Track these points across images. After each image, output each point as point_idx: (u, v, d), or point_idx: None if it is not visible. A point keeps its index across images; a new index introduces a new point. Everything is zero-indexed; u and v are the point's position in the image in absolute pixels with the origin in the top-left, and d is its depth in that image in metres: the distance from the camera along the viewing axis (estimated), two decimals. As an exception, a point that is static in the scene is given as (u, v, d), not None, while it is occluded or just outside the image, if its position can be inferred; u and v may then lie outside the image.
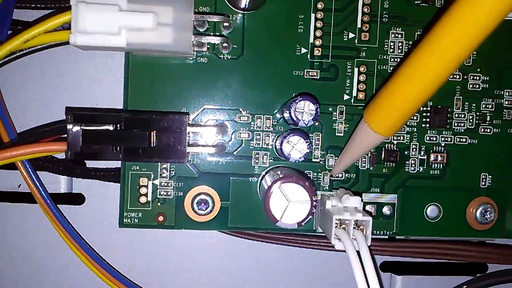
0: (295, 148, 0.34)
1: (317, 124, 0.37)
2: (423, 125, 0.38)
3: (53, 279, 0.41)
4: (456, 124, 0.38)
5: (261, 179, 0.36)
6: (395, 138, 0.37)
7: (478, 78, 0.38)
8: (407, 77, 0.29)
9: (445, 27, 0.27)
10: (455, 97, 0.38)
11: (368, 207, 0.37)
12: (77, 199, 0.40)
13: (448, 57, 0.27)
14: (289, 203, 0.31)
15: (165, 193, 0.36)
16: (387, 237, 0.39)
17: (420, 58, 0.28)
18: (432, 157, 0.38)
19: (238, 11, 0.36)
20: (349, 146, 0.35)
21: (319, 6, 0.36)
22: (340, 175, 0.37)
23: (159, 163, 0.36)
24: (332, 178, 0.37)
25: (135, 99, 0.36)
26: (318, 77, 0.37)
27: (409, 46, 0.37)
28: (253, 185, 0.37)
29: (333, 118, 0.37)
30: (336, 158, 0.37)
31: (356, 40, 0.37)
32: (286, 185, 0.31)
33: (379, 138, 0.33)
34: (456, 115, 0.38)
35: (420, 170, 0.38)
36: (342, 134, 0.37)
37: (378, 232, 0.38)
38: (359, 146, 0.34)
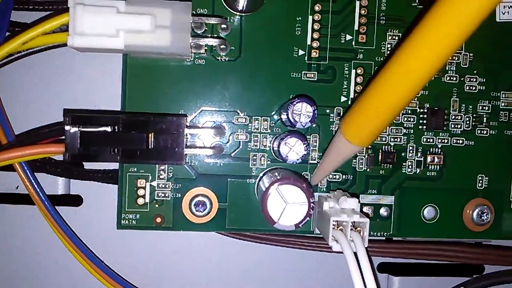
0: (293, 149, 0.34)
1: (314, 125, 0.37)
2: (420, 127, 0.38)
3: (51, 280, 0.41)
4: (452, 126, 0.38)
5: (259, 180, 0.36)
6: (392, 139, 0.37)
7: (474, 79, 0.38)
8: (380, 88, 0.29)
9: (417, 37, 0.26)
10: (452, 98, 0.38)
11: (365, 209, 0.37)
12: (75, 200, 0.40)
13: (420, 69, 0.27)
14: (286, 205, 0.31)
15: (163, 195, 0.36)
16: (384, 238, 0.39)
17: (392, 70, 0.28)
18: (429, 159, 0.38)
19: (236, 13, 0.36)
20: (327, 156, 0.35)
21: (317, 8, 0.36)
22: (337, 177, 0.37)
23: (156, 165, 0.36)
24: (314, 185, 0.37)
25: (133, 101, 0.36)
26: (316, 79, 0.37)
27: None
28: (250, 187, 0.37)
29: (331, 120, 0.37)
30: (333, 159, 0.37)
31: (353, 42, 0.37)
32: (284, 186, 0.31)
33: (355, 149, 0.33)
34: (453, 117, 0.38)
35: (417, 172, 0.38)
36: (339, 136, 0.37)
37: (375, 233, 0.38)
38: (336, 156, 0.34)
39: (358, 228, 0.31)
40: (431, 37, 0.25)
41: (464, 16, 0.24)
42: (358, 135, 0.32)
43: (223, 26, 0.35)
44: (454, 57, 0.38)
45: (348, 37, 0.37)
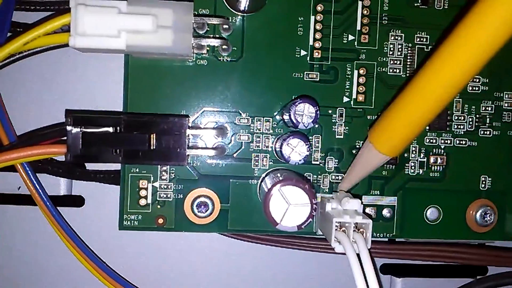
0: (295, 150, 0.34)
1: (316, 126, 0.37)
2: (423, 128, 0.38)
3: (53, 281, 0.41)
4: (455, 126, 0.38)
5: (261, 181, 0.36)
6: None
7: (477, 80, 0.38)
8: (411, 100, 0.30)
9: (448, 50, 0.27)
10: (455, 99, 0.38)
11: (368, 210, 0.37)
12: (76, 201, 0.40)
13: (453, 80, 0.27)
14: (289, 206, 0.31)
15: (165, 196, 0.36)
16: (387, 239, 0.39)
17: (423, 82, 0.28)
18: (432, 160, 0.38)
19: (238, 13, 0.36)
20: (355, 165, 0.35)
21: (319, 8, 0.36)
22: (339, 178, 0.37)
23: (159, 166, 0.36)
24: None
25: (135, 101, 0.36)
26: (318, 79, 0.37)
27: (409, 49, 0.37)
28: (253, 188, 0.37)
29: (333, 121, 0.37)
30: (335, 160, 0.37)
31: (355, 42, 0.37)
32: (286, 187, 0.31)
33: (385, 158, 0.33)
34: (456, 117, 0.38)
35: (420, 173, 0.38)
36: (341, 137, 0.37)
37: (378, 234, 0.38)
38: (365, 165, 0.34)
39: (361, 229, 0.31)
40: (468, 45, 0.25)
41: (503, 22, 0.24)
42: (388, 145, 0.32)
43: (225, 26, 0.35)
44: (457, 58, 0.37)
45: (351, 37, 0.37)
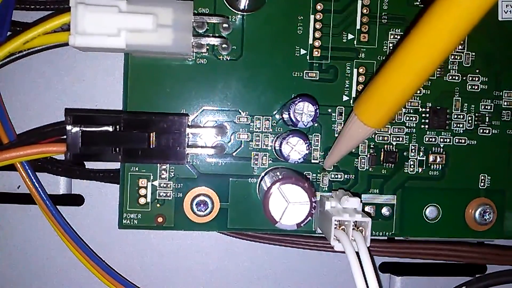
0: (294, 149, 0.34)
1: (316, 125, 0.37)
2: (422, 126, 0.38)
3: (53, 280, 0.41)
4: (455, 125, 0.38)
5: (260, 180, 0.36)
6: (394, 139, 0.37)
7: (477, 79, 0.38)
8: (394, 70, 0.30)
9: (429, 21, 0.27)
10: (454, 98, 0.38)
11: (367, 208, 0.37)
12: (76, 200, 0.40)
13: (434, 50, 0.28)
14: (288, 204, 0.31)
15: (164, 194, 0.36)
16: (386, 238, 0.39)
17: (407, 51, 0.29)
18: (431, 158, 0.38)
19: (238, 12, 0.36)
20: (341, 139, 0.35)
21: (318, 7, 0.36)
22: (339, 176, 0.37)
23: (158, 164, 0.36)
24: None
25: (135, 100, 0.36)
26: (317, 78, 0.37)
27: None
28: (252, 186, 0.37)
29: (332, 119, 0.37)
30: (335, 159, 0.37)
31: (355, 41, 0.37)
32: (285, 186, 0.31)
33: (370, 131, 0.33)
34: (455, 116, 0.38)
35: (419, 171, 0.38)
36: (341, 135, 0.37)
37: (377, 233, 0.38)
38: (350, 138, 0.34)
39: (360, 228, 0.31)
40: (449, 12, 0.26)
41: None
42: (373, 117, 0.32)
43: (224, 25, 0.35)
44: (456, 56, 0.38)
45: (350, 36, 0.37)
